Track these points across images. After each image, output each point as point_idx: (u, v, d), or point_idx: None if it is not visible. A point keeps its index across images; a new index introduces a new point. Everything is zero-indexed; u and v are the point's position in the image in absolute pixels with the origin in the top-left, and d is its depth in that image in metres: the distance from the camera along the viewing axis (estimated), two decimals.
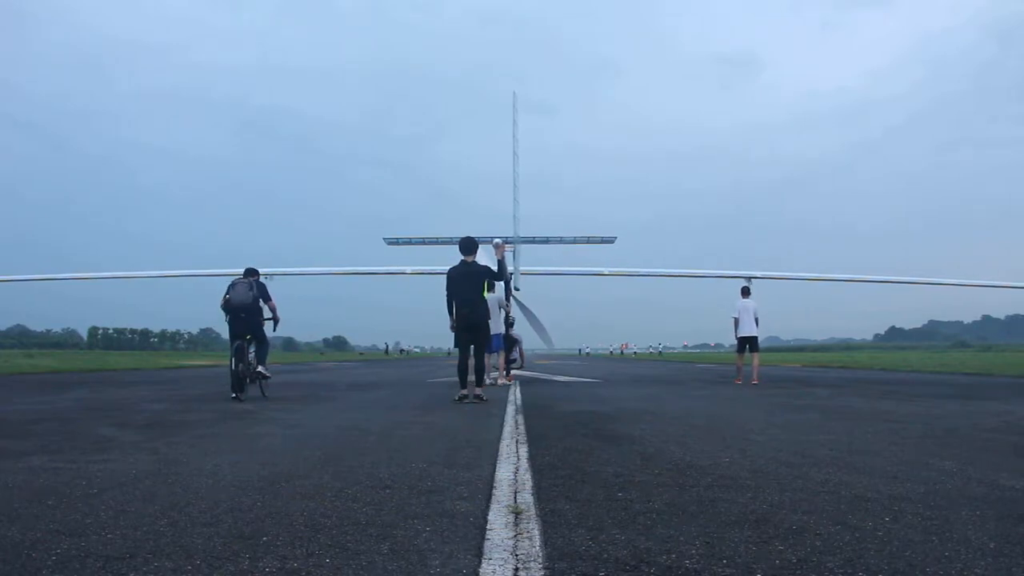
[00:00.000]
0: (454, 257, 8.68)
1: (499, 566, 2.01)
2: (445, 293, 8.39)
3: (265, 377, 9.07)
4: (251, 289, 8.98)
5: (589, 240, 28.46)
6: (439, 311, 8.60)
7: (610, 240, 28.48)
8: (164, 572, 1.96)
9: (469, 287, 8.27)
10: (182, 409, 7.32)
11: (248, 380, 8.78)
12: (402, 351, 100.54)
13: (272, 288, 9.64)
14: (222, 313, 8.94)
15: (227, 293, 8.93)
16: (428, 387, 12.00)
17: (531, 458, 3.95)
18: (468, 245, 8.56)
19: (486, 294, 8.48)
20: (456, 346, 8.58)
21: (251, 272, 9.51)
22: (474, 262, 8.46)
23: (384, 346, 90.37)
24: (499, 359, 12.67)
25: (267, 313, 9.32)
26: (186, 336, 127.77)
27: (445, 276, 8.49)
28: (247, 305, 8.88)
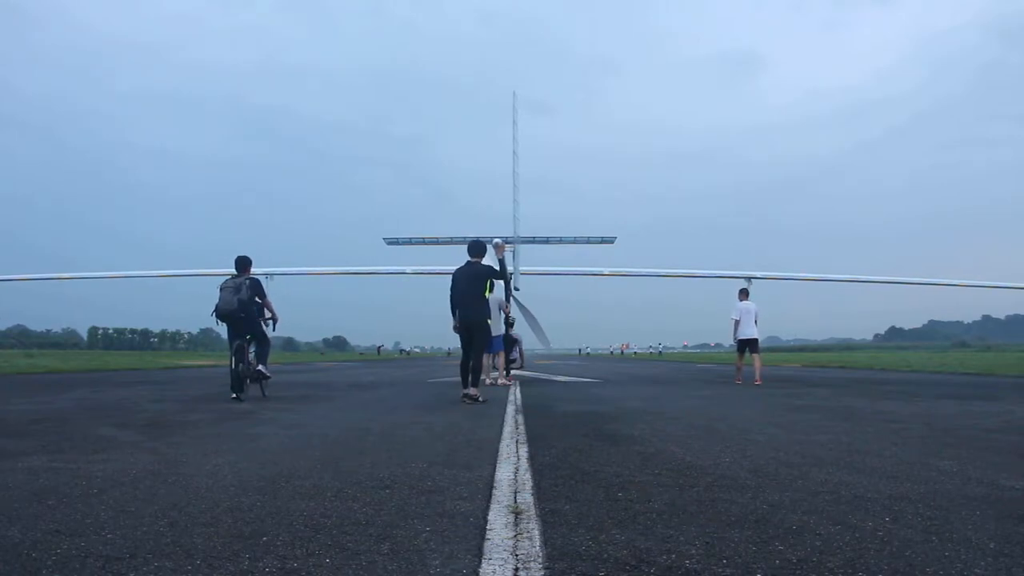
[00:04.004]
0: (454, 257, 8.73)
1: (499, 566, 2.01)
2: (450, 293, 8.42)
3: (265, 377, 9.03)
4: (238, 292, 8.65)
5: (589, 240, 28.53)
6: (439, 311, 8.61)
7: (610, 240, 28.54)
8: (164, 572, 1.96)
9: (471, 287, 8.30)
10: (182, 409, 7.32)
11: (248, 380, 8.75)
12: (402, 351, 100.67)
13: (272, 288, 9.43)
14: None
15: (217, 300, 8.79)
16: (428, 387, 12.00)
17: (531, 458, 3.95)
18: (476, 247, 8.60)
19: (487, 295, 8.47)
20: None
21: (243, 264, 9.07)
22: (479, 263, 8.47)
23: (378, 346, 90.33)
24: (499, 359, 12.68)
25: (266, 312, 9.19)
26: (186, 336, 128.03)
27: (449, 276, 8.54)
28: (234, 311, 8.61)
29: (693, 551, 2.14)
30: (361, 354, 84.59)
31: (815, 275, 27.43)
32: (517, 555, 2.11)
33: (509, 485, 3.17)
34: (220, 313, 8.69)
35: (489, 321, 8.76)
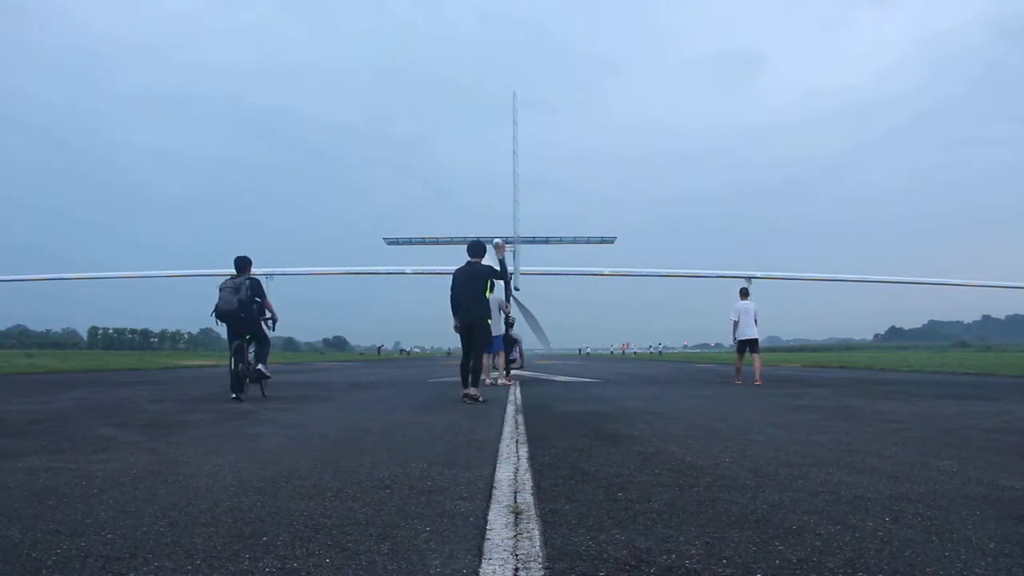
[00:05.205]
0: (454, 257, 8.72)
1: (499, 566, 2.01)
2: (450, 294, 8.43)
3: (265, 377, 9.03)
4: (237, 292, 8.66)
5: (589, 240, 28.52)
6: (439, 311, 8.60)
7: (610, 240, 28.53)
8: (164, 572, 1.96)
9: (471, 287, 8.30)
10: (182, 409, 7.32)
11: (248, 380, 8.75)
12: (402, 351, 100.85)
13: (272, 288, 9.43)
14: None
15: (217, 300, 8.79)
16: (428, 387, 12.00)
17: (531, 458, 3.95)
18: (476, 247, 8.62)
19: (487, 295, 8.47)
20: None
21: (242, 264, 9.06)
22: (479, 263, 8.48)
23: (378, 346, 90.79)
24: (499, 359, 12.68)
25: (266, 312, 9.19)
26: (186, 336, 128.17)
27: (450, 276, 8.56)
28: (233, 311, 8.62)
29: (693, 551, 2.14)
30: (361, 354, 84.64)
31: (815, 275, 27.42)
32: (517, 555, 2.11)
33: (509, 485, 3.17)
34: (220, 313, 8.70)
35: (489, 321, 8.76)
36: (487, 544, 2.23)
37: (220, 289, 8.83)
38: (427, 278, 26.61)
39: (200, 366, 26.79)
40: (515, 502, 2.82)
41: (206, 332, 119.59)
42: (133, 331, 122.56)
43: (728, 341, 13.98)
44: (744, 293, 13.22)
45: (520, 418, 6.23)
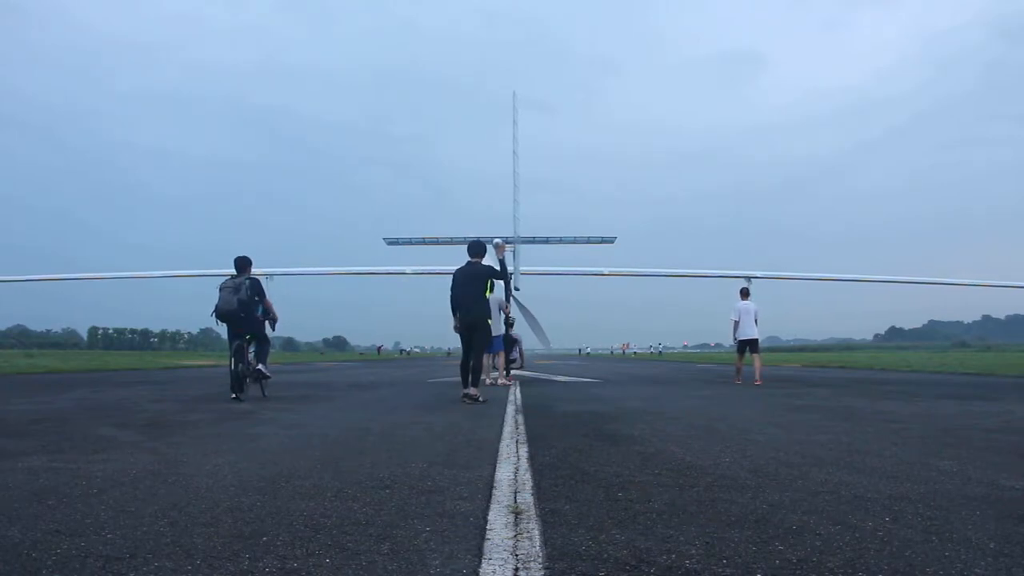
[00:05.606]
0: (454, 257, 8.71)
1: (499, 566, 2.01)
2: (450, 294, 8.43)
3: (265, 377, 9.03)
4: (237, 292, 8.66)
5: (589, 240, 28.50)
6: (439, 311, 8.60)
7: (610, 240, 28.52)
8: (164, 572, 1.96)
9: (471, 287, 8.31)
10: (182, 409, 7.32)
11: (248, 380, 8.75)
12: (402, 351, 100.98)
13: (272, 288, 9.44)
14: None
15: (217, 300, 8.79)
16: (428, 387, 12.00)
17: (531, 458, 3.95)
18: (476, 247, 8.63)
19: (487, 295, 8.47)
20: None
21: (242, 264, 9.07)
22: (479, 263, 8.49)
23: (378, 346, 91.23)
24: (499, 359, 12.68)
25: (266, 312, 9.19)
26: (186, 336, 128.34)
27: (450, 276, 8.58)
28: (233, 311, 8.62)
29: (693, 551, 2.14)
30: (361, 354, 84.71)
31: (815, 275, 27.41)
32: (517, 555, 2.11)
33: (509, 485, 3.17)
34: (220, 313, 8.70)
35: (489, 321, 8.76)
36: (487, 544, 2.23)
37: (220, 289, 8.83)
38: (427, 278, 26.60)
39: (200, 366, 26.80)
40: (515, 502, 2.82)
41: (206, 332, 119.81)
42: (133, 331, 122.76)
43: (728, 341, 13.97)
44: (744, 293, 13.21)
45: (520, 418, 6.23)
